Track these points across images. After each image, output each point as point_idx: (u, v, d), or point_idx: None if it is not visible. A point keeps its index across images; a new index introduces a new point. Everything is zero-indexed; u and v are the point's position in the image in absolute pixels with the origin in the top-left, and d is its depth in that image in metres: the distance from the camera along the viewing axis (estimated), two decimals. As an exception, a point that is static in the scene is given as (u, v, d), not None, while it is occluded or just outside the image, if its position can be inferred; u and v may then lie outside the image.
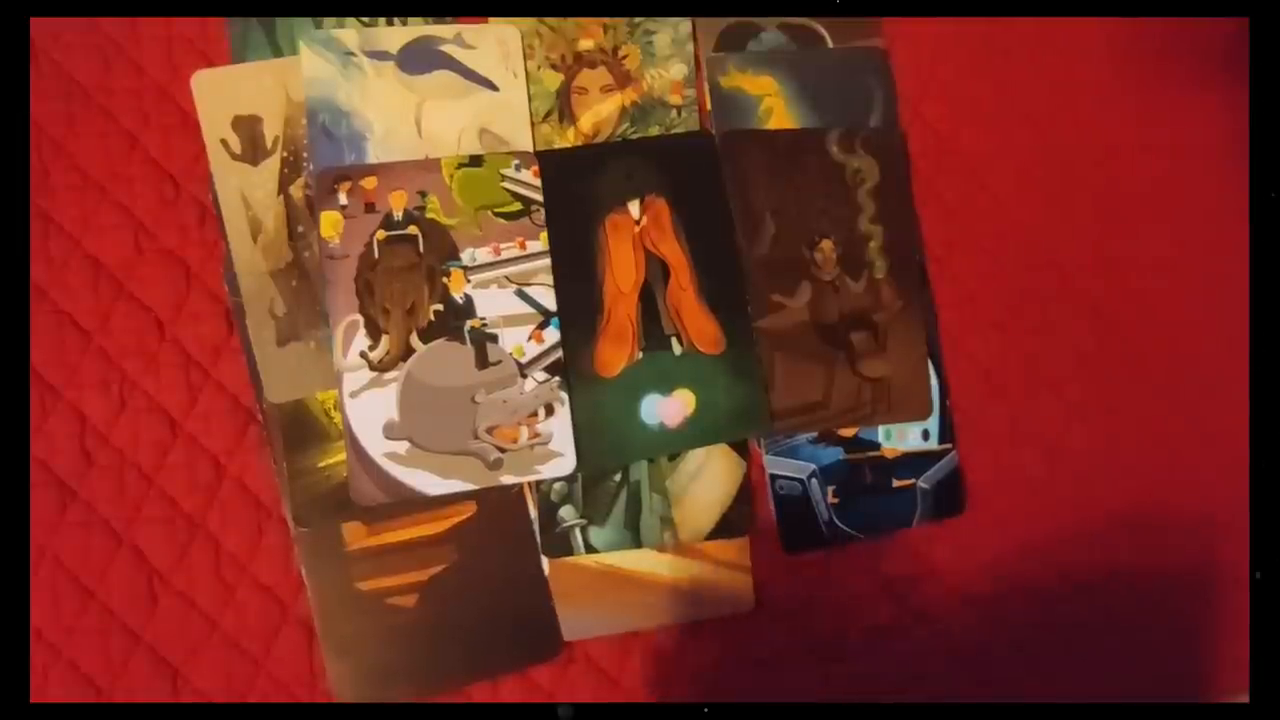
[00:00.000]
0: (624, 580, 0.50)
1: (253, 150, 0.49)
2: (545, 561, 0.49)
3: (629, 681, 0.50)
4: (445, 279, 0.49)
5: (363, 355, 0.48)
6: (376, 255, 0.49)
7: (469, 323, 0.49)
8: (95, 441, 0.47)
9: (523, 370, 0.49)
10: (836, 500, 0.53)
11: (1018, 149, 0.59)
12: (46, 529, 0.46)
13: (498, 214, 0.50)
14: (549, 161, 0.51)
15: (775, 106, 0.55)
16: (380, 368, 0.48)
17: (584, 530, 0.50)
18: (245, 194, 0.48)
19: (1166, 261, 0.60)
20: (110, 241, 0.48)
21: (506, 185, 0.50)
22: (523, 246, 0.50)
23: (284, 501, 0.48)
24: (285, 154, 0.49)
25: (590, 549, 0.50)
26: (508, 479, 0.48)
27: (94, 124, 0.48)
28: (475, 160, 0.50)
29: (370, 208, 0.49)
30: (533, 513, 0.49)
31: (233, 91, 0.49)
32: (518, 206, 0.50)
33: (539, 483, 0.49)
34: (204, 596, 0.47)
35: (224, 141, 0.48)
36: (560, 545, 0.49)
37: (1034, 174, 0.59)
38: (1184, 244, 0.61)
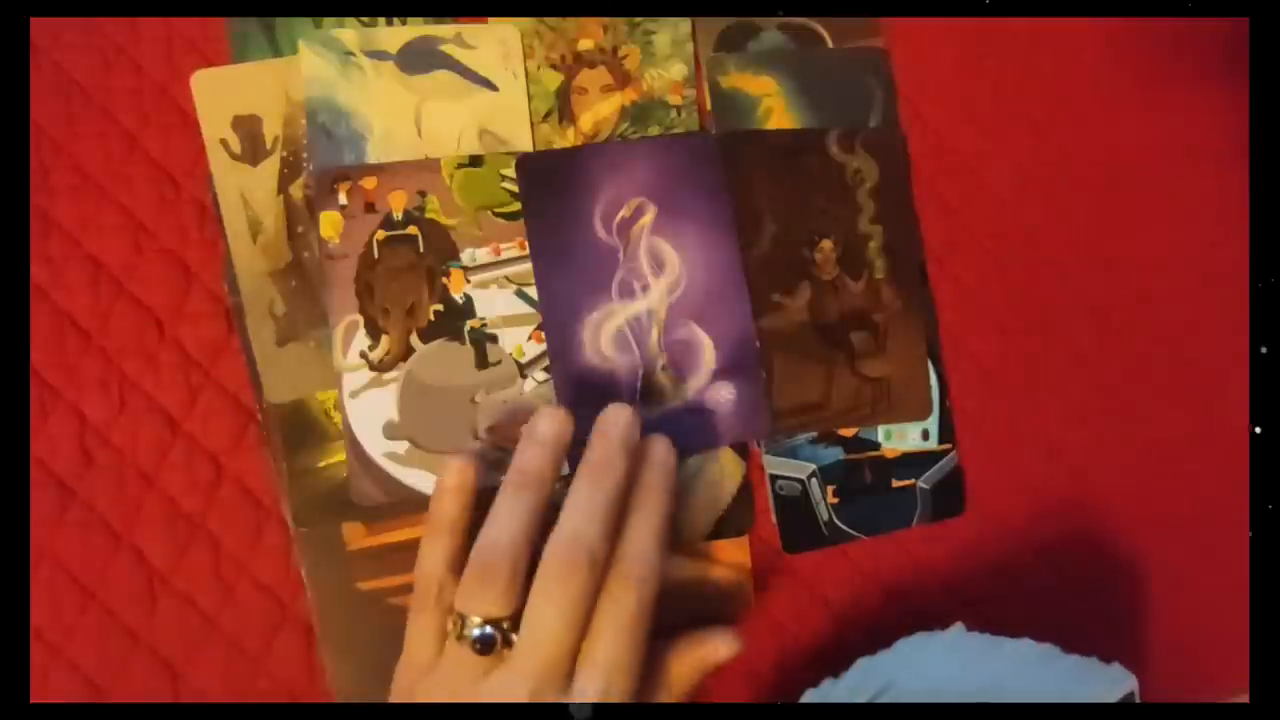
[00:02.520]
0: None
1: (252, 150, 0.49)
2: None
3: (629, 681, 0.50)
4: (445, 279, 0.49)
5: (363, 355, 0.48)
6: (376, 255, 0.49)
7: (469, 323, 0.49)
8: (95, 441, 0.47)
9: (523, 370, 0.49)
10: (836, 500, 0.53)
11: (1018, 149, 0.59)
12: (46, 529, 0.46)
13: (498, 214, 0.50)
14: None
15: (775, 106, 0.55)
16: (380, 368, 0.48)
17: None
18: (245, 194, 0.48)
19: (1166, 261, 0.60)
20: (110, 241, 0.48)
21: (506, 185, 0.50)
22: (523, 247, 0.50)
23: (283, 502, 0.48)
24: (285, 154, 0.49)
25: (590, 549, 0.50)
26: (508, 478, 0.48)
27: (94, 124, 0.48)
28: (475, 160, 0.50)
29: (370, 208, 0.49)
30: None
31: (232, 91, 0.49)
32: (517, 207, 0.50)
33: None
34: (204, 596, 0.47)
35: (223, 141, 0.48)
36: (560, 545, 0.50)
37: (1034, 174, 0.59)
38: (1184, 244, 0.61)
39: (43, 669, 0.45)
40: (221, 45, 0.50)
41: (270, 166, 0.49)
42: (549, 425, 0.42)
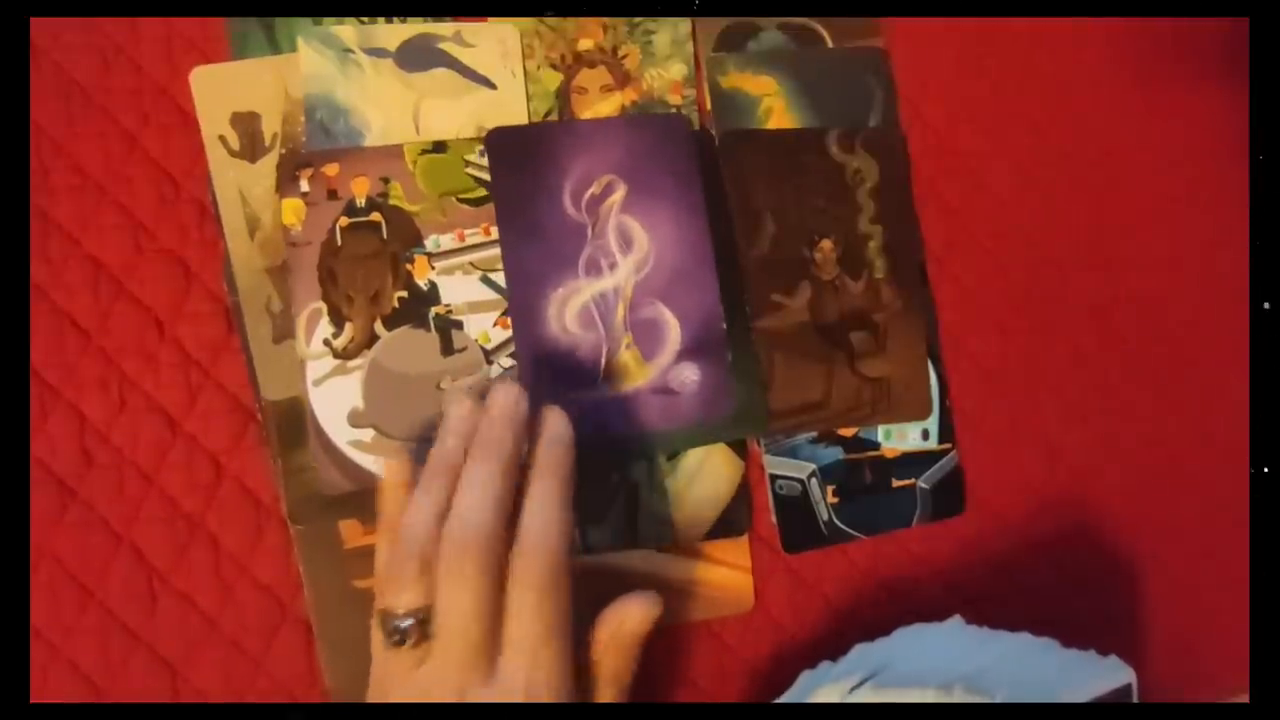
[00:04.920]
0: (622, 580, 0.50)
1: (251, 147, 0.49)
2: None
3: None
4: (409, 265, 0.49)
5: (326, 343, 0.48)
6: (339, 242, 0.49)
7: (433, 310, 0.49)
8: (95, 441, 0.47)
9: (488, 357, 0.49)
10: (836, 500, 0.53)
11: (1018, 149, 0.59)
12: (46, 528, 0.46)
13: (462, 200, 0.50)
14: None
15: (775, 106, 0.55)
16: (344, 355, 0.48)
17: (581, 530, 0.49)
18: (243, 190, 0.48)
19: (1166, 261, 0.60)
20: (110, 241, 0.48)
21: (470, 171, 0.50)
22: (487, 233, 0.50)
23: (282, 500, 0.48)
24: (284, 151, 0.49)
25: (587, 549, 0.50)
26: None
27: (94, 124, 0.48)
28: (439, 146, 0.50)
29: (332, 194, 0.49)
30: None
31: (231, 88, 0.49)
32: (482, 192, 0.50)
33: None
34: (203, 596, 0.47)
35: (222, 138, 0.48)
36: (559, 545, 0.49)
37: (1034, 174, 0.59)
38: (1184, 244, 0.61)
39: (42, 668, 0.45)
40: (221, 45, 0.50)
41: (269, 163, 0.49)
42: (458, 412, 0.42)
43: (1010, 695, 0.40)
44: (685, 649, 0.51)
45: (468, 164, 0.50)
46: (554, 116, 0.52)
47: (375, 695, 0.41)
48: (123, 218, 0.48)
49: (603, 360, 0.49)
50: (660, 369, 0.49)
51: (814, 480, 0.53)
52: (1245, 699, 0.57)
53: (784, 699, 0.45)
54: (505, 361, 0.49)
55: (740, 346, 0.51)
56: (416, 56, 0.51)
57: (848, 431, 0.53)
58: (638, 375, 0.49)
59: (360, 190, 0.49)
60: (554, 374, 0.49)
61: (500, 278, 0.49)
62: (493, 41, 0.51)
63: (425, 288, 0.49)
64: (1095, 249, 0.59)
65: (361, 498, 0.47)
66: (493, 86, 0.51)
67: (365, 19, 0.51)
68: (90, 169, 0.48)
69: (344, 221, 0.49)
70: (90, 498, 0.46)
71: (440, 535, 0.38)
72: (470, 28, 0.51)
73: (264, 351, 0.48)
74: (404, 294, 0.49)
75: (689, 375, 0.49)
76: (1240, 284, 0.61)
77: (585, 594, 0.50)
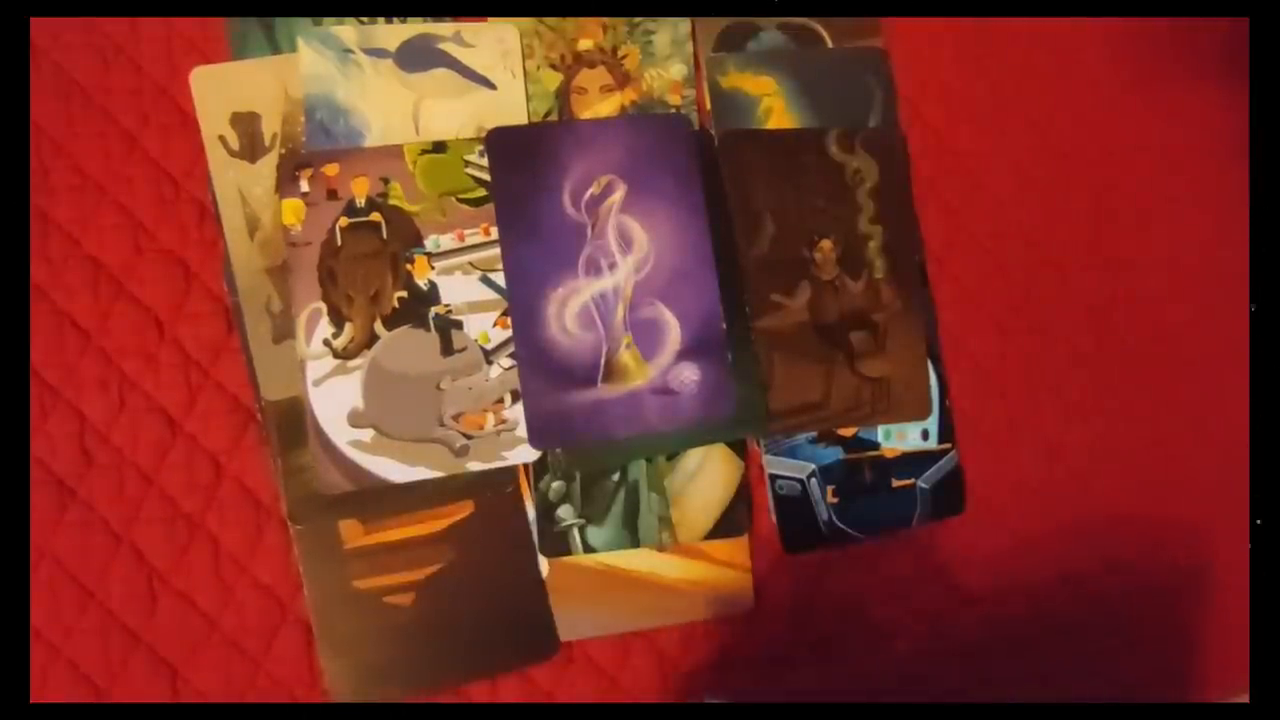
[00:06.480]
0: (623, 580, 0.50)
1: (251, 147, 0.49)
2: (543, 561, 0.49)
3: (628, 681, 0.50)
4: (409, 265, 0.49)
5: (326, 343, 0.48)
6: (339, 242, 0.49)
7: (433, 309, 0.49)
8: (95, 441, 0.47)
9: (488, 357, 0.49)
10: (836, 500, 0.53)
11: (1017, 149, 0.59)
12: (46, 529, 0.46)
13: (461, 200, 0.50)
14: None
15: (775, 106, 0.55)
16: (344, 355, 0.48)
17: (582, 530, 0.50)
18: (243, 190, 0.48)
19: (1166, 261, 0.60)
20: (110, 241, 0.48)
21: (470, 171, 0.50)
22: (487, 233, 0.50)
23: (282, 500, 0.48)
24: (283, 151, 0.49)
25: (588, 549, 0.50)
26: (475, 466, 0.48)
27: (94, 124, 0.48)
28: (439, 146, 0.50)
29: (332, 194, 0.49)
30: (531, 512, 0.49)
31: (231, 88, 0.49)
32: (481, 192, 0.50)
33: (537, 482, 0.49)
34: (203, 596, 0.47)
35: (222, 138, 0.48)
36: (558, 545, 0.49)
37: (1033, 174, 0.59)
38: (1184, 244, 0.61)
39: (43, 669, 0.45)
40: (221, 45, 0.50)
41: (269, 163, 0.49)
42: None
43: None
44: (685, 648, 0.51)
45: (468, 164, 0.50)
46: (554, 116, 0.52)
47: None
48: (123, 218, 0.48)
49: (603, 360, 0.49)
50: (660, 369, 0.49)
51: (814, 480, 0.53)
52: (1245, 699, 0.57)
53: None
54: (505, 361, 0.49)
55: (740, 346, 0.51)
56: (416, 57, 0.51)
57: (848, 431, 0.53)
58: (638, 375, 0.49)
59: (360, 190, 0.49)
60: (554, 374, 0.49)
61: (500, 278, 0.49)
62: (493, 41, 0.51)
63: (425, 288, 0.49)
64: (1095, 249, 0.59)
65: (361, 498, 0.47)
66: (493, 86, 0.51)
67: (365, 19, 0.51)
68: (90, 169, 0.48)
69: (344, 221, 0.49)
70: (90, 498, 0.46)
71: None
72: (470, 28, 0.51)
73: (264, 351, 0.48)
74: (404, 294, 0.49)
75: (689, 375, 0.49)
76: (1240, 284, 0.61)
77: (587, 594, 0.50)
